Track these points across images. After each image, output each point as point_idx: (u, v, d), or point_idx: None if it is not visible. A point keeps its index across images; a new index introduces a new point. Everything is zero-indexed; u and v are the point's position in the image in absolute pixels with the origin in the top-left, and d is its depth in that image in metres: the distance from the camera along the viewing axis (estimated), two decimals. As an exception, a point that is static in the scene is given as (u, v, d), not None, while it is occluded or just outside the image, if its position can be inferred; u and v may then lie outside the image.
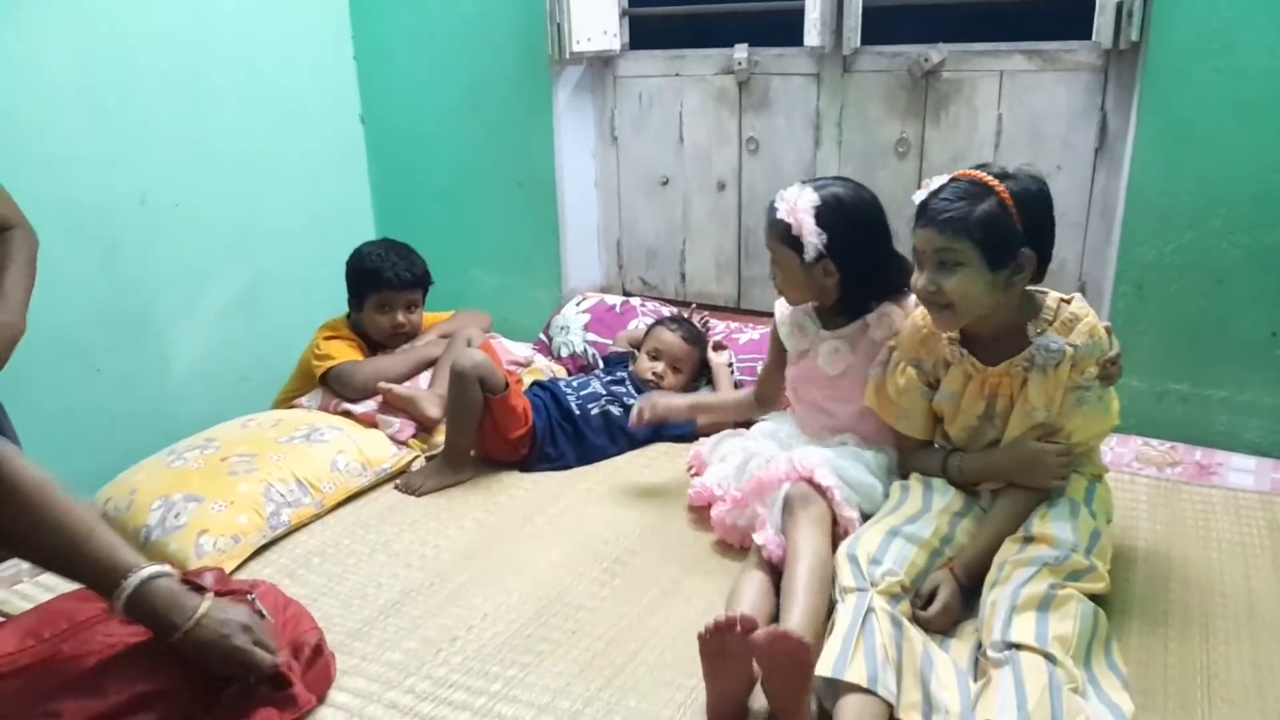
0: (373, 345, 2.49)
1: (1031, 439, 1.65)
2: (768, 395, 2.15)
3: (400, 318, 2.47)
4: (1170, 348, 2.26)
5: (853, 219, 1.82)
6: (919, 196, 1.63)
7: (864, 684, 1.31)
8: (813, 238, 1.79)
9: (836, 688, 1.34)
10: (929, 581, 1.58)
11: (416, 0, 3.00)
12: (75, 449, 2.27)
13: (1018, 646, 1.36)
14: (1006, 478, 1.68)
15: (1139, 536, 1.88)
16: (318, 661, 1.47)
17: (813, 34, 2.54)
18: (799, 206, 1.80)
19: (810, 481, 1.73)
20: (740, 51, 2.70)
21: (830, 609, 1.52)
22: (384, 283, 2.41)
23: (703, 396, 2.40)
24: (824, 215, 1.79)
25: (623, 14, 2.88)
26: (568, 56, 2.76)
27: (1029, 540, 1.58)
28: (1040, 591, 1.44)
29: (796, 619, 1.47)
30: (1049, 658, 1.34)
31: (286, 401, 2.47)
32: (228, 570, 1.78)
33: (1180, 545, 1.85)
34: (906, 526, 1.62)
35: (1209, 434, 2.26)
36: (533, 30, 2.79)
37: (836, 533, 1.71)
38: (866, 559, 1.53)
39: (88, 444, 2.41)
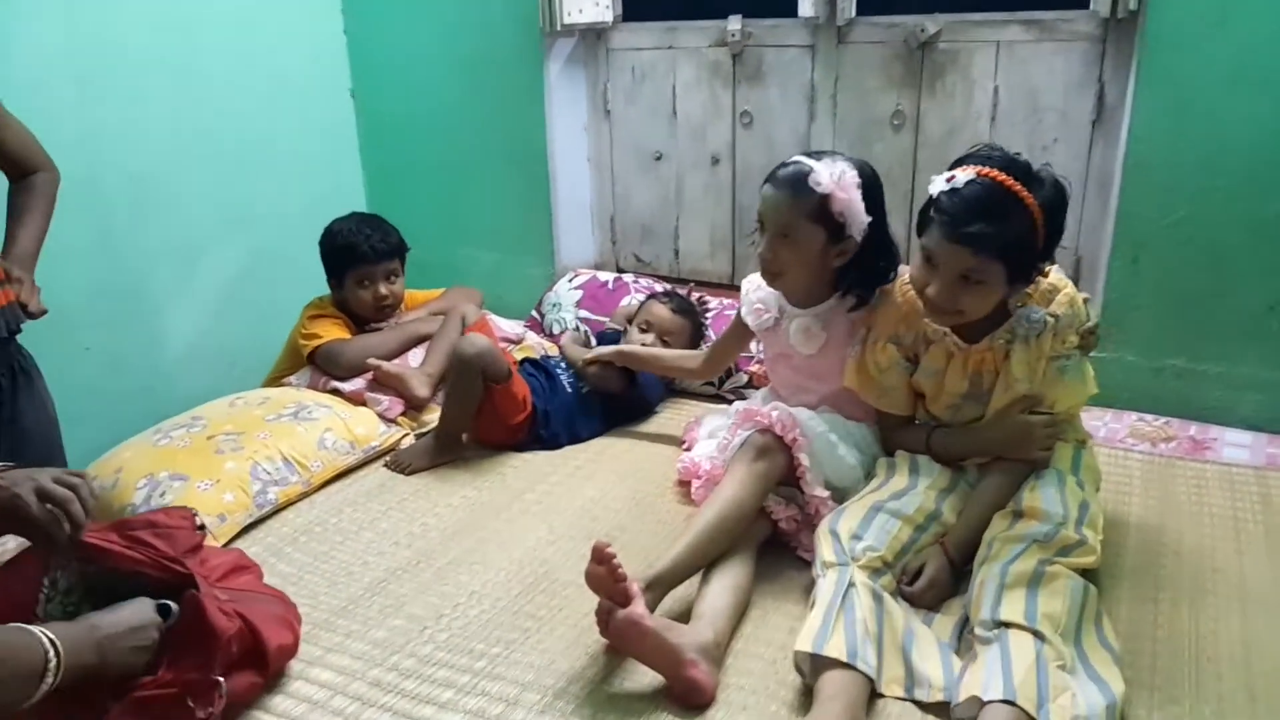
0: (359, 322, 2.47)
1: (1015, 412, 1.64)
2: (715, 361, 2.16)
3: (382, 289, 2.44)
4: (1166, 322, 2.24)
5: (878, 198, 1.74)
6: (937, 188, 1.52)
7: (844, 658, 1.31)
8: (862, 217, 1.68)
9: (818, 663, 1.33)
10: (918, 557, 1.57)
11: (406, -27, 2.97)
12: (64, 427, 2.25)
13: (1006, 625, 1.35)
14: (993, 452, 1.67)
15: (1131, 512, 1.87)
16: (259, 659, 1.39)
17: (807, 4, 2.50)
18: (846, 182, 1.65)
19: (779, 438, 1.67)
20: (734, 23, 2.66)
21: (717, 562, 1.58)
22: (360, 257, 2.38)
23: (634, 347, 2.32)
24: (864, 194, 1.69)
25: (615, -15, 2.85)
26: (559, 28, 2.72)
27: (1018, 515, 1.56)
28: (1029, 569, 1.43)
29: (662, 562, 1.52)
30: (1037, 635, 1.33)
31: (275, 381, 2.46)
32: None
33: (1173, 520, 1.84)
34: (891, 503, 1.60)
35: (1204, 409, 2.24)
36: (524, 1, 2.75)
37: (808, 512, 1.70)
38: (848, 535, 1.52)
39: (77, 422, 2.40)
